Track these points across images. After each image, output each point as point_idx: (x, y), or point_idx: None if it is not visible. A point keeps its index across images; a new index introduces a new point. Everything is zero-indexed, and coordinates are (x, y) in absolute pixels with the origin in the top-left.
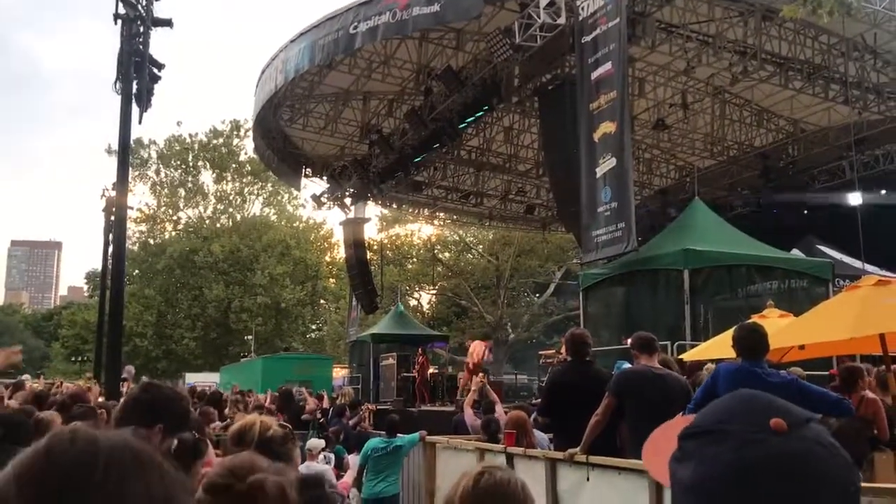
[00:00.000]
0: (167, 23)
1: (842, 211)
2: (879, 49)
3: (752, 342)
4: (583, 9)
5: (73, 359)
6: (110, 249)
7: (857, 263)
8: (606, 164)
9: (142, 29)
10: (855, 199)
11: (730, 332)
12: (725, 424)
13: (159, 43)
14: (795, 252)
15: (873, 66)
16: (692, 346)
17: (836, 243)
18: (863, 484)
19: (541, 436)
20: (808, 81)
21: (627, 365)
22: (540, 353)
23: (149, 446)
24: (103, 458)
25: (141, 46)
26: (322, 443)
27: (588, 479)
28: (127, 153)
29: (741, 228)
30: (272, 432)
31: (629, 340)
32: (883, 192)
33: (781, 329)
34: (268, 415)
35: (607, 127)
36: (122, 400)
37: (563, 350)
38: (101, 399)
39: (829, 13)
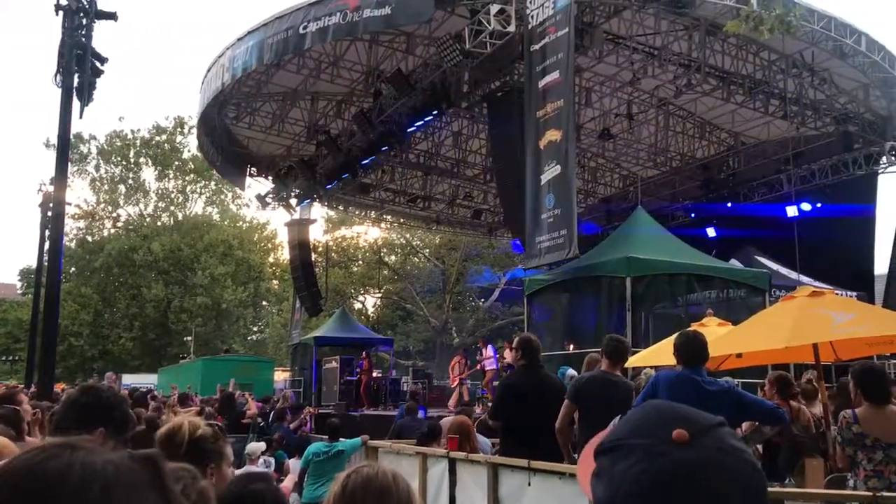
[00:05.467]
0: (111, 16)
1: (779, 223)
2: (817, 67)
3: (693, 350)
4: (532, 17)
5: (3, 358)
6: (46, 245)
7: (793, 274)
8: (551, 172)
9: (85, 21)
10: (791, 211)
11: (670, 340)
12: (632, 439)
13: (102, 36)
14: (734, 262)
15: (811, 83)
16: (633, 353)
17: (772, 254)
18: (793, 489)
19: (483, 441)
20: (749, 96)
21: (571, 371)
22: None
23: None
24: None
25: (83, 39)
26: (262, 446)
27: (529, 484)
28: (66, 147)
29: (682, 238)
30: (201, 431)
31: (604, 342)
32: (818, 205)
33: (720, 337)
34: (208, 418)
35: (553, 135)
36: (60, 402)
37: (507, 354)
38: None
39: (770, 30)
